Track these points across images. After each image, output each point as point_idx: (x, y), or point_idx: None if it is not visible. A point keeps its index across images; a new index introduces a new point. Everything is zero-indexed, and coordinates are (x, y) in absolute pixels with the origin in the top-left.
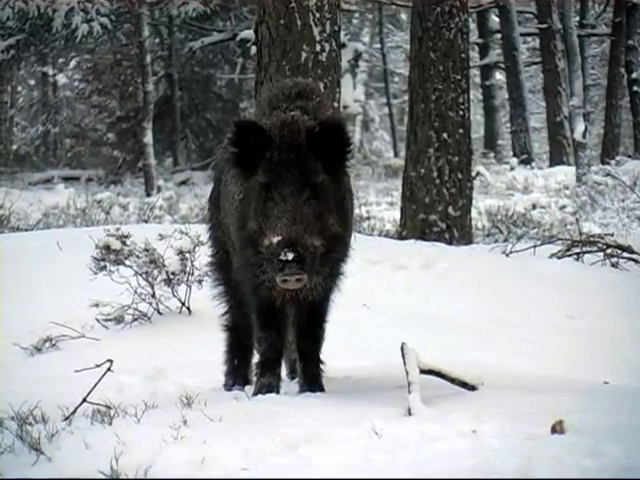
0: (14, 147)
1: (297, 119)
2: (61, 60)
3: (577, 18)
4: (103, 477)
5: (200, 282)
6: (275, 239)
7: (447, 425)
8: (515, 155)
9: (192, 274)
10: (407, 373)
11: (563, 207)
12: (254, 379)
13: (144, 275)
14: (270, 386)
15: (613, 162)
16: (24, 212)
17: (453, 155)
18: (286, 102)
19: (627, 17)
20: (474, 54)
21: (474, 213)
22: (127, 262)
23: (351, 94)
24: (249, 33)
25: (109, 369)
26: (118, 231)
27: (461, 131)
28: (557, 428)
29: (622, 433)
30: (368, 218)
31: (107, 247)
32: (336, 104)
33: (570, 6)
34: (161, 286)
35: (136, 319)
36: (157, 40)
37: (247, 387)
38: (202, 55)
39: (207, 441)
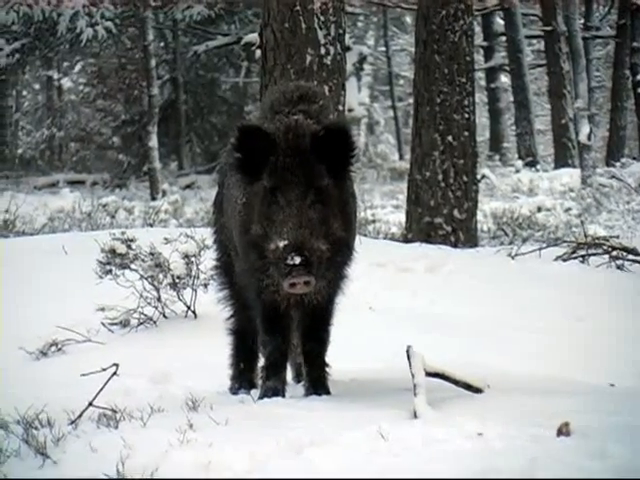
0: (19, 151)
1: (301, 123)
2: (66, 64)
3: (582, 20)
4: None
5: (206, 286)
6: (281, 243)
7: (453, 427)
8: (520, 158)
9: (198, 278)
10: (413, 376)
11: (568, 209)
12: (260, 382)
13: (150, 279)
14: (275, 389)
15: (618, 164)
16: (29, 216)
17: (458, 158)
18: (288, 106)
19: (632, 19)
20: (479, 57)
21: (479, 216)
22: (133, 266)
23: (356, 97)
24: (254, 37)
25: (115, 373)
26: (123, 235)
27: (466, 134)
28: (563, 430)
29: (628, 435)
30: (373, 221)
31: (112, 251)
32: (341, 107)
33: (575, 8)
34: (167, 290)
35: (142, 323)
36: (162, 44)
37: (253, 390)
38: (207, 59)
39: (213, 444)
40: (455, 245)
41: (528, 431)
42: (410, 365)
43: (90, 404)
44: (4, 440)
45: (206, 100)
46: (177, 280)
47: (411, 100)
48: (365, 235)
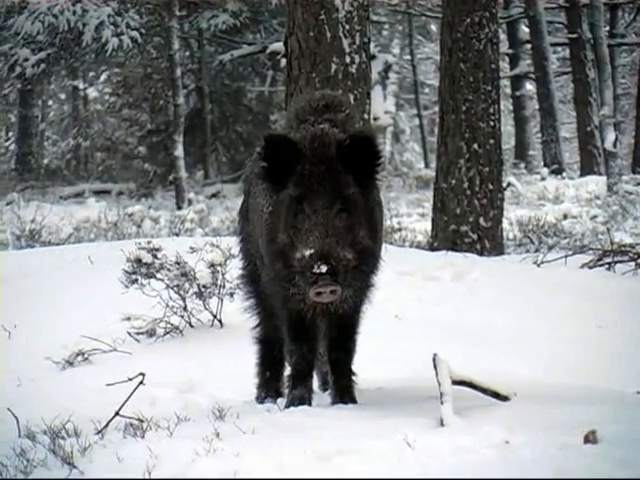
0: (45, 161)
1: (327, 132)
2: (91, 74)
3: (607, 27)
4: None
5: (232, 295)
6: (307, 252)
7: (480, 436)
8: (546, 165)
9: (223, 287)
10: (439, 384)
11: (594, 217)
12: (286, 391)
13: (175, 288)
14: (302, 398)
15: None
16: (55, 226)
17: (484, 166)
18: (314, 115)
19: None
20: (504, 65)
21: (505, 224)
22: (158, 275)
23: (381, 106)
24: (279, 45)
25: (141, 382)
26: (149, 244)
27: (492, 142)
28: (590, 438)
29: None
30: (399, 229)
31: (138, 260)
32: (366, 116)
33: (600, 16)
34: (193, 299)
35: (168, 332)
36: (187, 53)
37: (279, 399)
38: (232, 68)
39: (240, 454)
40: (481, 253)
41: (555, 439)
42: (436, 373)
43: (117, 414)
44: (31, 450)
45: (231, 109)
46: (203, 289)
47: (436, 108)
48: (391, 243)
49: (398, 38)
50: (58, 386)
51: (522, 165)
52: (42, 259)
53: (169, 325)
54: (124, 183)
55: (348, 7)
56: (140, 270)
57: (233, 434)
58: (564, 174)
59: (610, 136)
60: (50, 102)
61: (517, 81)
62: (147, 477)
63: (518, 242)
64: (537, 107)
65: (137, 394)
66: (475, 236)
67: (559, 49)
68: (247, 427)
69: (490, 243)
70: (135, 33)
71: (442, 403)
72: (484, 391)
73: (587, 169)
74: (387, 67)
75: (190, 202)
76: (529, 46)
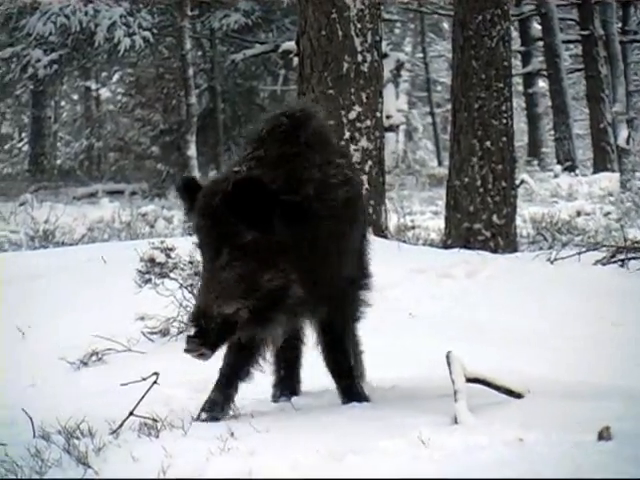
0: (58, 162)
1: (219, 180)
2: (104, 74)
3: (619, 24)
4: None
5: None
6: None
7: (494, 434)
8: (559, 162)
9: None
10: (453, 382)
11: (607, 214)
12: (301, 390)
13: (189, 287)
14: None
15: None
16: (69, 226)
17: (497, 163)
18: (251, 147)
19: None
20: (516, 62)
21: (518, 221)
22: (172, 275)
23: (394, 104)
24: (291, 45)
25: (155, 382)
26: (163, 244)
27: (504, 139)
28: (604, 434)
29: None
30: (413, 227)
31: (152, 260)
32: (378, 114)
33: (612, 12)
34: None
35: (181, 332)
36: (199, 53)
37: (294, 398)
38: (244, 67)
39: (254, 453)
40: (494, 250)
41: (569, 436)
42: (450, 371)
43: (131, 413)
44: (46, 450)
45: (244, 108)
46: None
47: (449, 106)
48: (404, 241)
49: (410, 36)
50: (72, 386)
51: (535, 162)
52: (56, 259)
53: (183, 324)
54: (137, 183)
55: (359, 5)
56: (154, 270)
57: (248, 433)
58: (577, 171)
59: (623, 133)
60: (63, 103)
61: (529, 79)
62: (162, 477)
63: (531, 239)
64: (550, 104)
65: (151, 394)
66: (488, 233)
67: (571, 46)
68: (262, 426)
69: (503, 240)
70: (147, 33)
71: (456, 401)
72: (498, 388)
73: (600, 166)
74: (399, 65)
75: None
76: (541, 43)
